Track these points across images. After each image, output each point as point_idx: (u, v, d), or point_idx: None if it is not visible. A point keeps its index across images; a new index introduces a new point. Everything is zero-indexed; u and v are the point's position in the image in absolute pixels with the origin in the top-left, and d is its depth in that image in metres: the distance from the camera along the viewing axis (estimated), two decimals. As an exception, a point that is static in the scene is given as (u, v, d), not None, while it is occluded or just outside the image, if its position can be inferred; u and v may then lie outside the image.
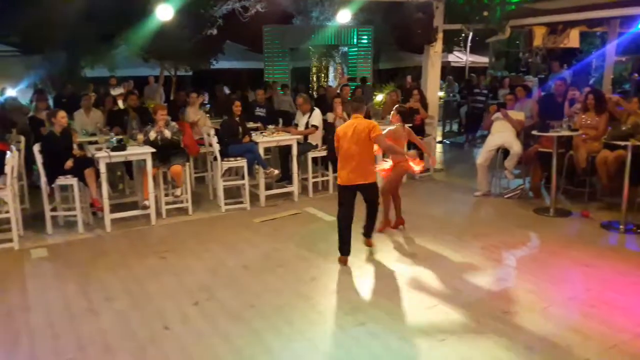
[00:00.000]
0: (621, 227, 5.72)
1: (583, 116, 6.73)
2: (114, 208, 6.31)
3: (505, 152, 7.17)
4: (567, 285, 4.42)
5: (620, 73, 16.19)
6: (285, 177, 7.49)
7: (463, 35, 17.02)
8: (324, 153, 7.55)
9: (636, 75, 15.37)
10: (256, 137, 7.11)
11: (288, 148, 7.26)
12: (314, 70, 16.51)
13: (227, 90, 14.41)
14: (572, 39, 11.43)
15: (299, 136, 7.32)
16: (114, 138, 6.45)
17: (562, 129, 6.33)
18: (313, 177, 7.55)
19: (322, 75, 16.36)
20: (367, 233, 5.27)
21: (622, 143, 5.67)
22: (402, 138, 5.73)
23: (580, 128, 6.56)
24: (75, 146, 6.28)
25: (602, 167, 6.24)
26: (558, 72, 10.80)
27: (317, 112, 7.53)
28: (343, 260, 4.95)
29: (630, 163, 5.63)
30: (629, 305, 4.01)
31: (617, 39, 10.95)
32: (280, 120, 8.91)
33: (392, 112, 5.90)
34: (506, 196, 7.22)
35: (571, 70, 12.12)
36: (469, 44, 18.59)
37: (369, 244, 5.28)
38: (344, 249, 4.95)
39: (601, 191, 6.68)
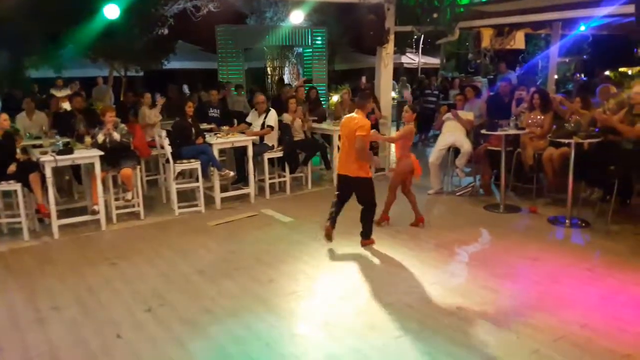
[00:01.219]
0: (567, 221, 5.95)
1: (530, 115, 6.97)
2: (62, 214, 6.09)
3: (456, 151, 7.35)
4: (517, 279, 4.57)
5: (564, 73, 16.88)
6: (241, 179, 7.42)
7: (415, 37, 17.33)
8: (280, 154, 7.52)
9: (578, 75, 16.08)
10: (210, 138, 7.00)
11: (243, 149, 7.18)
12: (269, 70, 16.43)
13: (187, 90, 14.20)
14: (518, 41, 11.83)
15: (254, 137, 7.26)
16: (60, 141, 6.21)
17: (510, 128, 6.53)
18: (270, 179, 7.50)
19: (276, 75, 16.30)
20: (363, 234, 5.40)
21: (566, 141, 5.89)
22: (412, 137, 5.79)
23: (527, 127, 6.79)
24: (18, 150, 6.02)
25: (548, 164, 6.49)
26: (505, 72, 11.16)
27: (272, 112, 7.48)
28: (325, 230, 5.34)
29: (573, 160, 5.86)
30: (575, 296, 4.18)
31: (559, 41, 11.42)
32: (235, 121, 8.83)
33: (405, 111, 5.80)
34: (458, 194, 7.41)
35: (518, 71, 12.55)
36: (420, 45, 18.95)
37: (363, 243, 5.37)
38: (329, 219, 5.35)
39: (547, 187, 6.94)
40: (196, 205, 6.80)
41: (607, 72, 14.61)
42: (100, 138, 6.21)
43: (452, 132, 7.36)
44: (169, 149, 6.58)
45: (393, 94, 12.70)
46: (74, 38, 10.66)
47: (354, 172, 5.16)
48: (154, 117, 8.12)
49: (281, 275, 4.72)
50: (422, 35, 15.49)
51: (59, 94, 10.34)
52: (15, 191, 5.72)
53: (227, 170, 6.88)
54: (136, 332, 3.74)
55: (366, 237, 5.40)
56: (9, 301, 4.28)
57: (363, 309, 4.03)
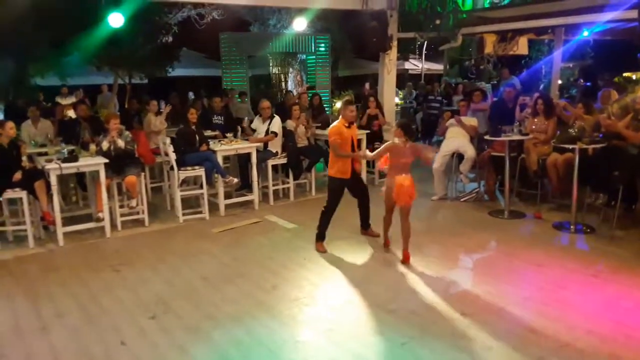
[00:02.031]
0: (571, 227, 5.92)
1: (534, 120, 6.96)
2: (67, 221, 6.10)
3: (460, 156, 7.34)
4: (522, 286, 4.54)
5: (568, 79, 16.84)
6: (245, 186, 7.43)
7: (418, 43, 17.38)
8: (284, 160, 7.54)
9: (582, 81, 16.03)
10: (214, 145, 7.02)
11: (247, 156, 7.20)
12: (273, 78, 16.48)
13: (192, 96, 14.25)
14: (521, 46, 11.85)
15: (258, 144, 7.28)
16: (65, 149, 6.24)
17: (513, 133, 6.52)
18: (273, 185, 7.51)
19: (282, 81, 16.35)
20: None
21: (570, 146, 5.87)
22: (403, 155, 4.94)
23: (531, 132, 6.77)
24: (24, 158, 6.05)
25: (552, 170, 6.46)
26: (508, 78, 11.15)
27: (277, 119, 7.51)
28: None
29: (578, 165, 5.84)
30: (580, 302, 4.15)
31: (562, 46, 11.42)
32: (240, 128, 8.85)
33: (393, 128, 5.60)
34: (462, 200, 7.39)
35: (521, 76, 12.54)
36: (424, 51, 18.96)
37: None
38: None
39: (552, 193, 6.91)
40: (200, 212, 6.81)
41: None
42: (105, 145, 6.24)
43: (456, 138, 7.36)
44: (173, 156, 6.60)
45: (397, 100, 12.71)
46: (79, 46, 10.74)
47: (330, 172, 5.49)
48: (159, 125, 8.15)
49: (284, 281, 4.71)
50: (425, 42, 15.53)
51: (64, 101, 10.40)
52: (21, 199, 5.76)
53: (231, 177, 6.89)
54: (140, 339, 3.74)
55: (317, 239, 5.50)
56: (13, 308, 4.29)
57: (367, 315, 4.02)
